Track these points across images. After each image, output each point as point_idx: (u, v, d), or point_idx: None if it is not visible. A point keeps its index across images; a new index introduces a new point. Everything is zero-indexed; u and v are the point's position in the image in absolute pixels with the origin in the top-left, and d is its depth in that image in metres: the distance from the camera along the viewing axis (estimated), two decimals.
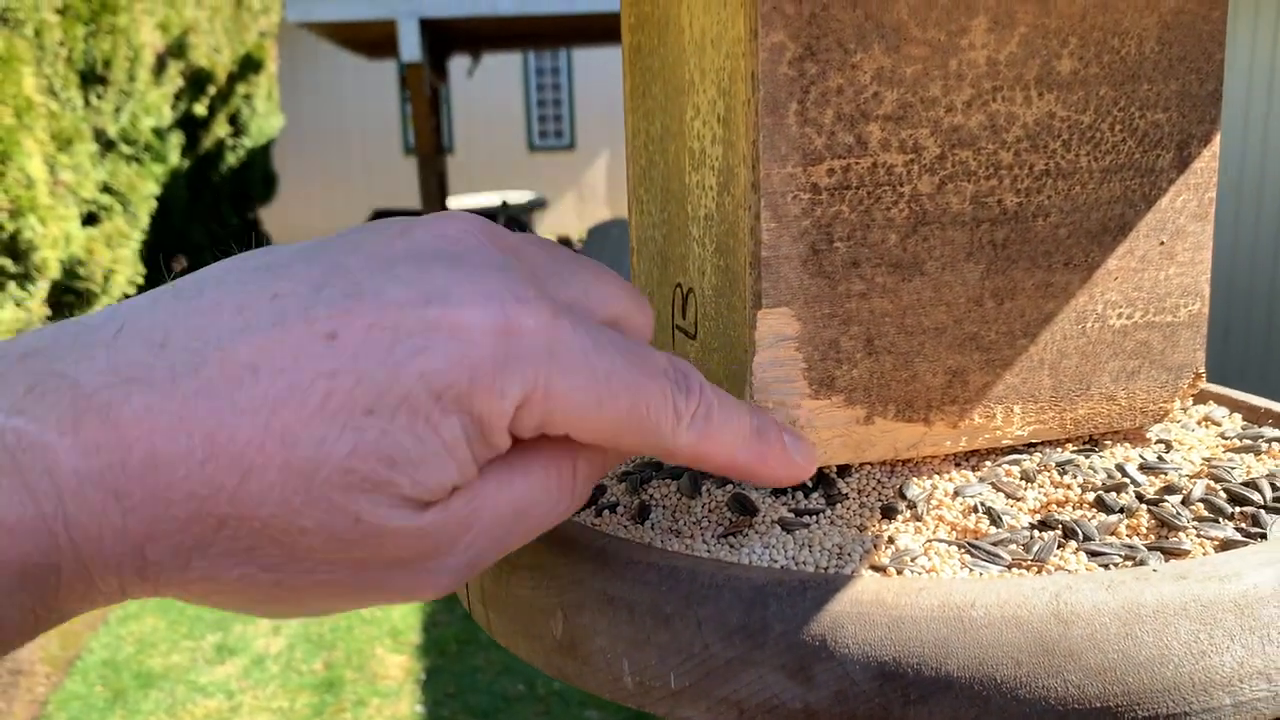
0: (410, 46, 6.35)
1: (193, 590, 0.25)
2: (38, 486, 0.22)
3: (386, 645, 3.10)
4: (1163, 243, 0.42)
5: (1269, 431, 0.45)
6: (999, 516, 0.38)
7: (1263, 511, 0.37)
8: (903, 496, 0.40)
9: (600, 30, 8.26)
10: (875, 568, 0.35)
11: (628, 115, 0.49)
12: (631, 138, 0.48)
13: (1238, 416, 0.48)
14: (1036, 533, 0.37)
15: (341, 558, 0.25)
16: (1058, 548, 0.35)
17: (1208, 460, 0.43)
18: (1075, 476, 0.41)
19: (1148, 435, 0.45)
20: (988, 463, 0.43)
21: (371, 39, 7.43)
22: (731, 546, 0.37)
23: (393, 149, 11.90)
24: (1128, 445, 0.44)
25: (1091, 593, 0.31)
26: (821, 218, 0.38)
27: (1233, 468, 0.41)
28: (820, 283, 0.38)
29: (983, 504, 0.39)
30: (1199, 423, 0.47)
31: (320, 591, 0.25)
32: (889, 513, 0.39)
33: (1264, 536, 0.35)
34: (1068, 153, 0.40)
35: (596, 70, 11.95)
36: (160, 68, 5.49)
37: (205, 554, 0.24)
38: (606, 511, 0.41)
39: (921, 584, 0.32)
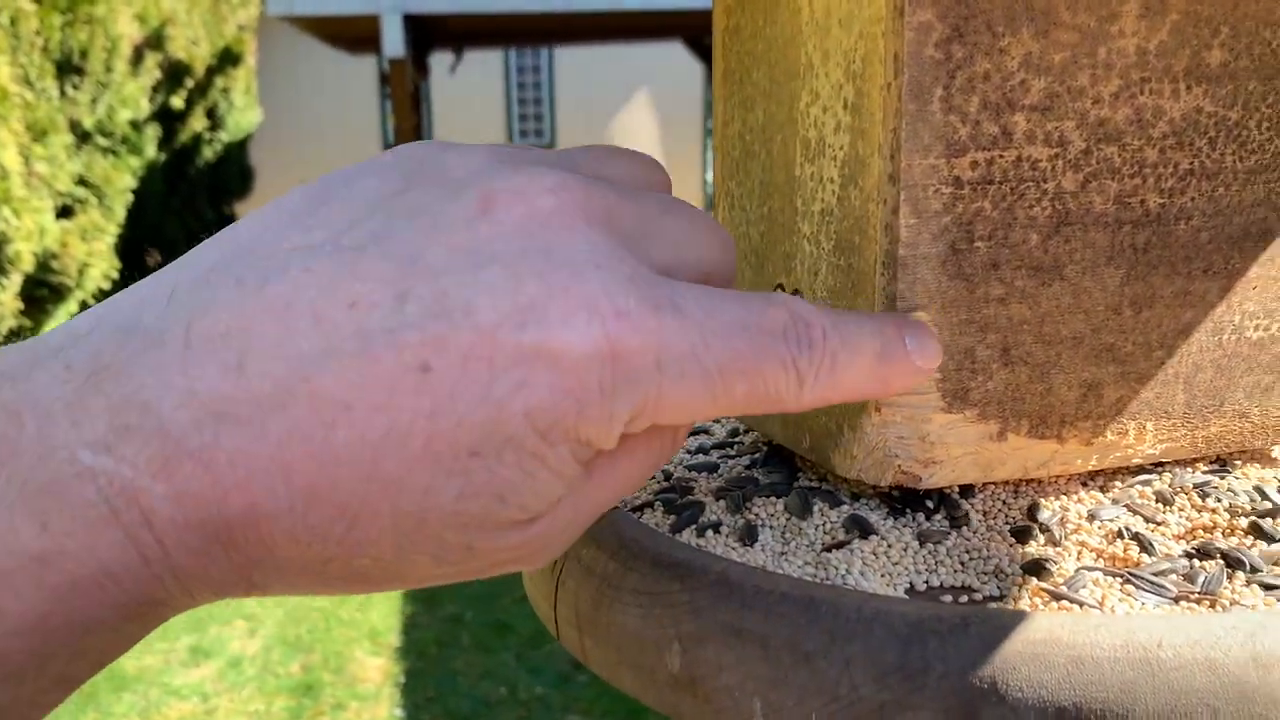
0: (393, 42, 6.28)
1: (297, 590, 0.24)
2: (139, 537, 0.21)
3: (365, 648, 3.05)
4: None
5: None
6: (1149, 543, 0.35)
7: None
8: (1034, 519, 0.37)
9: (583, 29, 8.22)
10: (1040, 595, 0.32)
11: (718, 103, 0.45)
12: (722, 127, 0.45)
13: None
14: (1196, 562, 0.34)
15: (451, 571, 0.24)
16: (1226, 580, 0.32)
17: None
18: (1219, 500, 0.38)
19: (1274, 455, 0.42)
20: (1116, 483, 0.40)
21: (353, 34, 7.36)
22: (858, 564, 0.33)
23: (371, 145, 11.80)
24: (1258, 465, 0.41)
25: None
26: (963, 214, 0.35)
27: None
28: (959, 285, 0.35)
29: (1127, 529, 0.36)
30: None
31: (427, 581, 0.25)
32: (1021, 536, 0.36)
33: None
34: (1213, 151, 0.37)
35: (577, 69, 11.90)
36: (137, 59, 5.41)
37: (313, 575, 0.23)
38: (710, 531, 0.37)
39: (1098, 620, 0.29)
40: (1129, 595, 0.32)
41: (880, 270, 0.35)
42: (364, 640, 3.08)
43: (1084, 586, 0.32)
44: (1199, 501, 0.38)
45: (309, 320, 0.22)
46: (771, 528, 0.37)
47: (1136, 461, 0.39)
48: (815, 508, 0.38)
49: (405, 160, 0.26)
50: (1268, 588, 0.32)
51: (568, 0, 6.57)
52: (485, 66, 11.74)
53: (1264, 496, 0.38)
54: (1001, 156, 0.35)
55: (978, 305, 0.36)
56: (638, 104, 12.29)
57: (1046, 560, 0.34)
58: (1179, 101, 0.37)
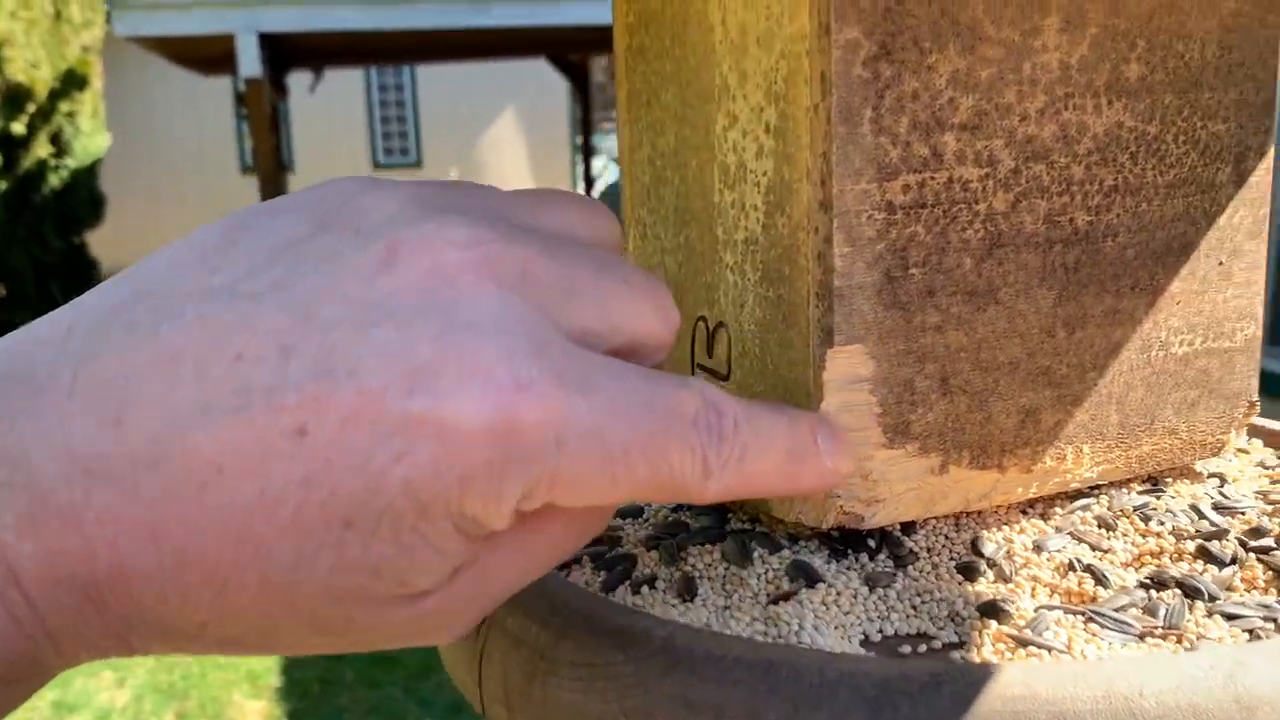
0: (249, 62, 6.09)
1: (179, 651, 0.23)
2: (7, 596, 0.21)
3: (244, 690, 2.92)
4: (1221, 263, 0.39)
5: None
6: (1102, 575, 0.33)
7: None
8: (979, 553, 0.36)
9: (446, 46, 8.13)
10: (1003, 640, 0.30)
11: (623, 127, 0.43)
12: (629, 152, 0.43)
13: (1258, 442, 0.46)
14: (1153, 593, 0.32)
15: (335, 642, 0.24)
16: (1187, 611, 0.31)
17: (1264, 494, 0.40)
18: (1161, 523, 0.37)
19: (1199, 470, 0.42)
20: (1056, 510, 0.38)
21: (207, 54, 7.11)
22: (809, 618, 0.31)
23: (229, 168, 11.43)
24: (1188, 482, 0.41)
25: (1266, 670, 0.27)
26: (896, 240, 0.33)
27: None
28: (895, 315, 0.34)
29: (1078, 560, 0.34)
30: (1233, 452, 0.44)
31: (313, 650, 0.24)
32: (969, 573, 0.35)
33: None
34: (1135, 166, 0.37)
35: (441, 85, 11.76)
36: None
37: (189, 638, 0.23)
38: (645, 588, 0.35)
39: (1074, 670, 0.27)
40: (1094, 635, 0.30)
41: (814, 302, 0.33)
42: (242, 683, 2.95)
43: (1047, 629, 0.31)
44: (1141, 525, 0.37)
45: (193, 372, 0.21)
46: (710, 579, 0.35)
47: (1074, 486, 0.38)
48: (754, 554, 0.36)
49: (322, 200, 0.24)
50: (1230, 617, 0.31)
51: (428, 17, 6.48)
52: (346, 85, 11.51)
53: (1201, 516, 0.37)
54: (933, 178, 0.33)
55: (914, 334, 0.34)
56: (505, 121, 12.22)
57: (1002, 600, 0.32)
58: (1101, 117, 0.36)
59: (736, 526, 0.39)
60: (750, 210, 0.35)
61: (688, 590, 0.34)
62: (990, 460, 0.36)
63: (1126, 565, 0.35)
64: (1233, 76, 0.38)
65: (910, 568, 0.35)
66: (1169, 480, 0.41)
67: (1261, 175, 0.39)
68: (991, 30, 0.33)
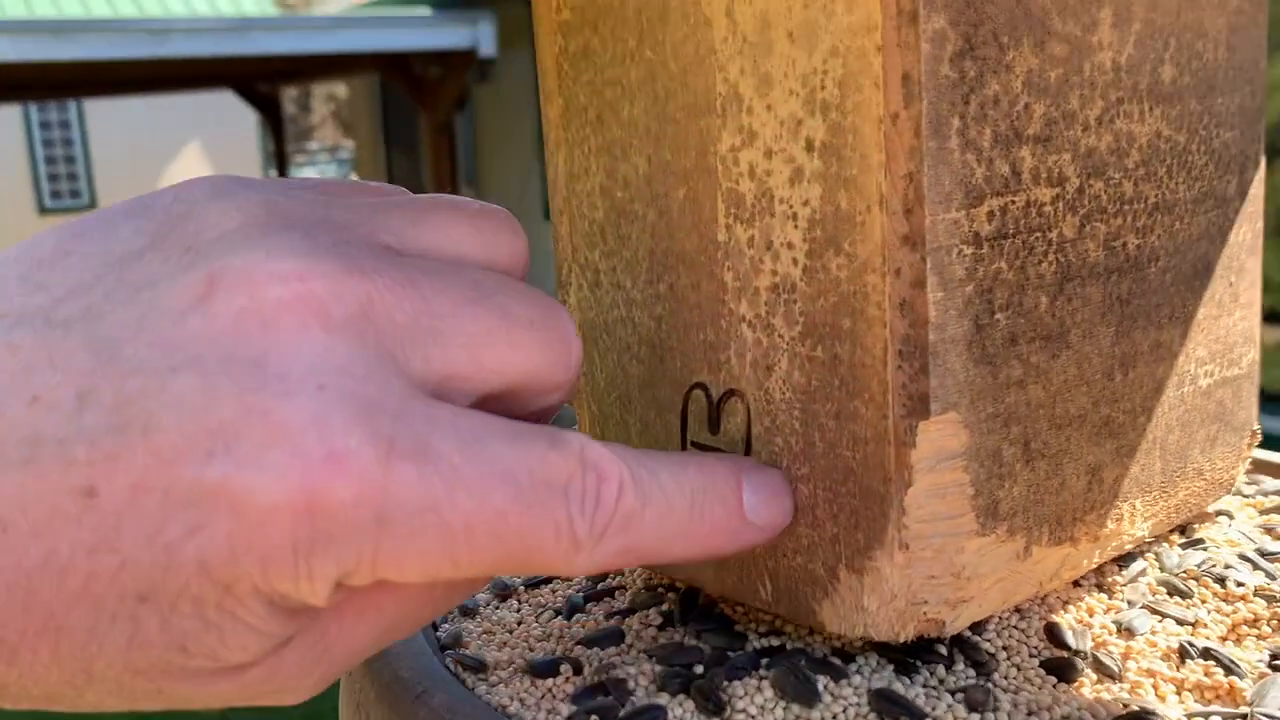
0: None
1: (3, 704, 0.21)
2: None
3: None
4: (1231, 283, 0.36)
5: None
6: (1231, 663, 0.28)
7: None
8: (1063, 645, 0.30)
9: (121, 79, 7.51)
10: None
11: (555, 151, 0.34)
12: (567, 182, 0.34)
13: None
14: None
15: (154, 707, 0.21)
16: None
17: (1271, 529, 0.37)
18: (1241, 584, 0.32)
19: (1209, 510, 0.38)
20: (1112, 579, 0.33)
21: None
22: None
23: None
24: (1209, 527, 0.37)
25: None
26: (983, 280, 0.27)
27: None
28: (984, 371, 0.27)
29: (1190, 645, 0.29)
30: None
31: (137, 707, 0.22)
32: (1063, 673, 0.29)
33: None
34: (1170, 180, 0.32)
35: (115, 121, 10.85)
36: None
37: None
38: None
39: None
40: None
41: (896, 362, 0.26)
42: None
43: None
44: (1219, 589, 0.32)
45: None
46: None
47: (1128, 547, 0.33)
48: (819, 685, 0.28)
49: (170, 206, 0.22)
50: None
51: (97, 48, 5.93)
52: (2, 124, 10.40)
53: (1255, 566, 0.34)
54: (1013, 202, 0.27)
55: (1000, 393, 0.28)
56: (189, 156, 11.45)
57: (1141, 710, 0.26)
58: (1144, 125, 0.31)
59: (759, 645, 0.31)
60: (782, 250, 0.28)
61: None
62: (1065, 533, 0.30)
63: (1224, 640, 0.30)
64: (1237, 80, 0.34)
65: (996, 675, 0.29)
66: (1194, 527, 0.37)
67: (1258, 187, 0.36)
68: (1058, 23, 0.28)
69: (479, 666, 0.32)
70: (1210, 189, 0.34)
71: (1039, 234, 0.28)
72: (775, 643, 0.31)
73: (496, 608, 0.36)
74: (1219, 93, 0.34)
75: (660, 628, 0.33)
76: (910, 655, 0.29)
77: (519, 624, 0.35)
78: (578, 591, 0.36)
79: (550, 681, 0.30)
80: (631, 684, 0.30)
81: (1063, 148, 0.28)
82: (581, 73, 0.33)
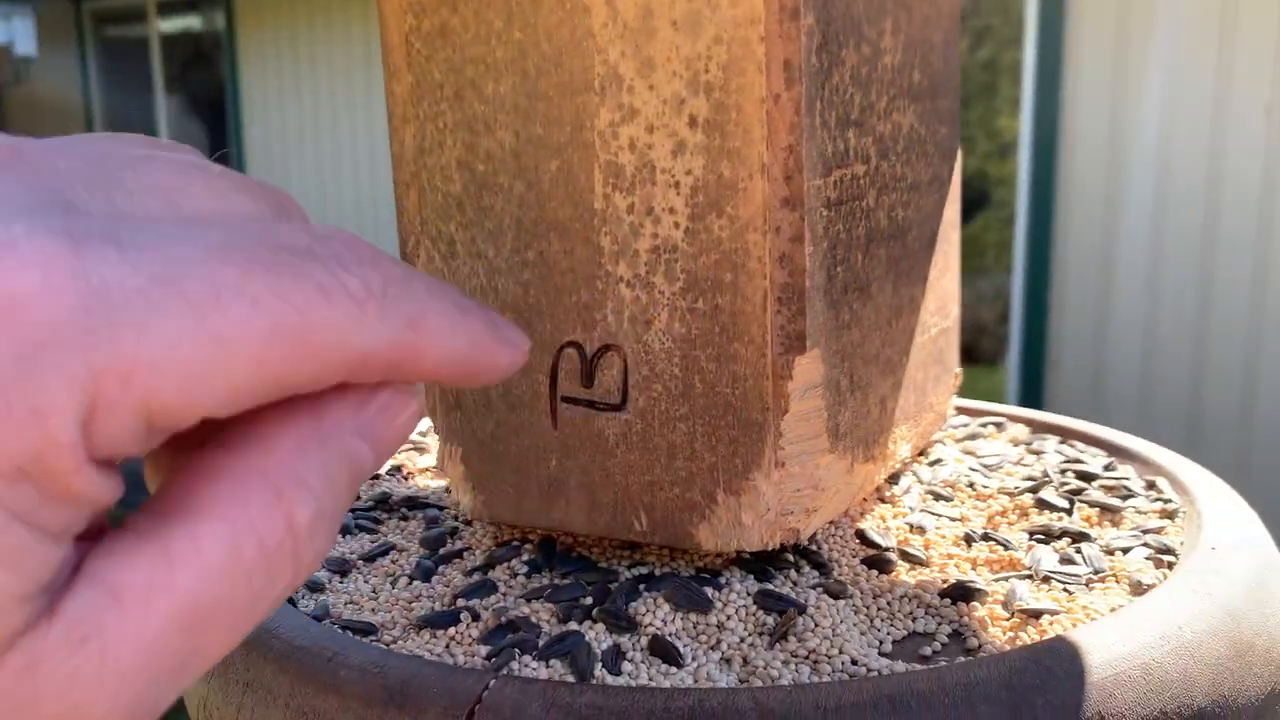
0: None
1: None
2: None
3: None
4: (945, 251, 0.44)
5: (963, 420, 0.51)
6: (1005, 541, 0.36)
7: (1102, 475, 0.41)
8: (874, 545, 0.36)
9: None
10: (1000, 620, 0.31)
11: (403, 126, 0.35)
12: (417, 156, 0.35)
13: None
14: (1055, 545, 0.36)
15: None
16: (1099, 553, 0.35)
17: (972, 451, 0.46)
18: (981, 487, 0.40)
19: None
20: (889, 491, 0.40)
21: None
22: (826, 645, 0.29)
23: None
24: (932, 449, 0.45)
25: (1229, 593, 0.31)
26: (832, 238, 0.32)
27: (999, 452, 0.45)
28: (830, 316, 0.33)
29: (973, 533, 0.36)
30: None
31: None
32: (882, 566, 0.35)
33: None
34: (918, 164, 0.40)
35: None
36: None
37: None
38: (624, 663, 0.29)
39: (1119, 623, 0.29)
40: (1068, 593, 0.32)
41: (775, 308, 0.31)
42: None
43: (1026, 597, 0.32)
44: (970, 492, 0.40)
45: None
46: (683, 635, 0.31)
47: (896, 468, 0.40)
48: (708, 593, 0.32)
49: None
50: (1125, 550, 0.35)
51: None
52: None
53: (991, 477, 0.42)
54: (845, 174, 0.33)
55: (839, 333, 0.33)
56: None
57: (967, 583, 0.33)
58: (906, 118, 0.38)
59: (634, 574, 0.34)
60: (664, 214, 0.32)
61: (669, 655, 0.30)
62: (869, 452, 0.37)
63: (986, 527, 0.38)
64: (948, 85, 0.43)
65: (835, 573, 0.34)
66: (927, 451, 0.45)
67: (957, 174, 0.45)
68: (866, 28, 0.34)
69: (369, 629, 0.32)
70: (936, 174, 0.42)
71: (857, 201, 0.34)
72: (644, 571, 0.35)
73: (342, 581, 0.36)
74: (941, 95, 0.42)
75: (528, 575, 0.35)
76: (766, 564, 0.34)
77: (375, 592, 0.35)
78: (424, 557, 0.38)
79: (452, 630, 0.32)
80: (534, 619, 0.32)
81: (868, 132, 0.34)
82: (436, 50, 0.34)
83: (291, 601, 0.35)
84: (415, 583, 0.36)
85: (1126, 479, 0.41)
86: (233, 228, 0.17)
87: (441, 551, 0.38)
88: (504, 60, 0.33)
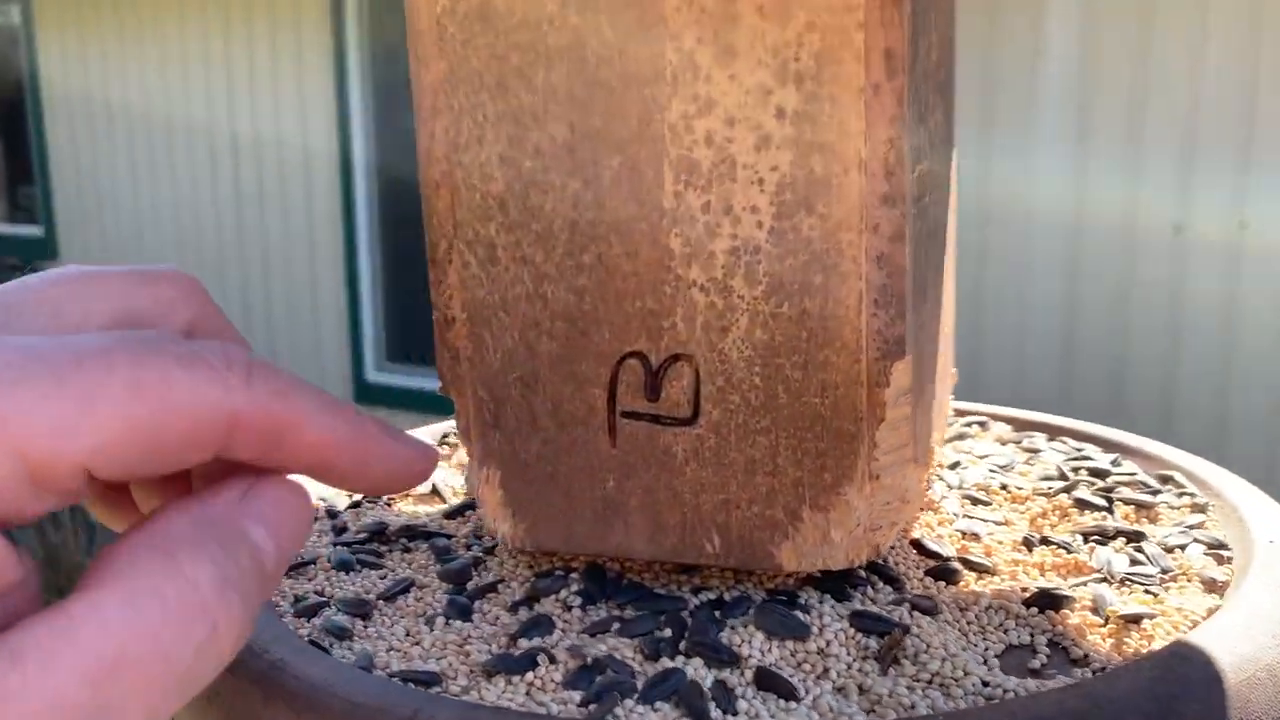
0: None
1: None
2: None
3: None
4: (950, 248, 0.43)
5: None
6: (1067, 544, 0.35)
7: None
8: (934, 556, 0.35)
9: None
10: (1095, 627, 0.30)
11: (433, 119, 0.32)
12: (448, 154, 0.32)
13: None
14: (1114, 545, 0.35)
15: None
16: (1159, 550, 0.34)
17: (967, 451, 0.46)
18: (1015, 489, 0.40)
19: None
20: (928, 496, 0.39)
21: None
22: (939, 663, 0.28)
23: None
24: (949, 455, 0.45)
25: None
26: (914, 235, 0.31)
27: (988, 453, 0.45)
28: (913, 317, 0.31)
29: (1032, 536, 0.36)
30: None
31: None
32: (950, 576, 0.34)
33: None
34: (943, 160, 0.39)
35: None
36: None
37: None
38: (732, 702, 0.27)
39: (1219, 627, 0.28)
40: (1153, 595, 0.32)
41: (871, 310, 0.29)
42: None
43: (1116, 602, 0.31)
44: (1005, 495, 0.39)
45: None
46: (790, 666, 0.29)
47: (936, 468, 0.39)
48: (802, 619, 0.30)
49: None
50: (1179, 548, 0.35)
51: None
52: None
53: (1017, 479, 0.41)
54: (922, 169, 0.31)
55: (917, 334, 0.32)
56: None
57: (1051, 590, 0.32)
58: (938, 113, 0.37)
59: (702, 600, 0.32)
60: (744, 213, 0.29)
61: (787, 688, 0.27)
62: (928, 458, 0.35)
63: (1033, 530, 0.37)
64: (952, 82, 0.42)
65: (908, 588, 0.33)
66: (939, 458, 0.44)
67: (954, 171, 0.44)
68: (928, 20, 0.33)
69: (431, 679, 0.29)
70: (949, 170, 0.41)
71: (924, 199, 0.33)
72: (711, 596, 0.32)
73: (367, 624, 0.33)
74: (951, 91, 0.41)
75: (583, 607, 0.32)
76: (841, 583, 0.32)
77: (412, 636, 0.32)
78: (453, 592, 0.34)
79: (530, 675, 0.29)
80: (619, 657, 0.29)
81: (928, 126, 0.33)
82: (475, 35, 0.31)
83: (324, 649, 0.31)
84: (456, 622, 0.32)
85: (1134, 473, 0.42)
86: (106, 333, 0.19)
87: (470, 586, 0.35)
88: (558, 47, 0.30)
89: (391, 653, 0.31)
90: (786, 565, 0.31)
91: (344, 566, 0.37)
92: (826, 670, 0.28)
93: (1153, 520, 0.37)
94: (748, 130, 0.29)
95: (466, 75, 0.31)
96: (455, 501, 0.43)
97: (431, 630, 0.32)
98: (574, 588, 0.33)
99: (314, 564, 0.37)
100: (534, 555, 0.35)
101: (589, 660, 0.29)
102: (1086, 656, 0.29)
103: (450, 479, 0.45)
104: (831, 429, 0.30)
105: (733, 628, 0.30)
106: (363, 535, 0.39)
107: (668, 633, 0.30)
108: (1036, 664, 0.29)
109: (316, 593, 0.35)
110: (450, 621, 0.32)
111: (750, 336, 0.30)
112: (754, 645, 0.29)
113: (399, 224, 3.90)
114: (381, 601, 0.34)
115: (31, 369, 0.17)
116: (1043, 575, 0.34)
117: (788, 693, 0.27)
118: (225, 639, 0.18)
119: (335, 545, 0.39)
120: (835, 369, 0.30)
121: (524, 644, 0.30)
